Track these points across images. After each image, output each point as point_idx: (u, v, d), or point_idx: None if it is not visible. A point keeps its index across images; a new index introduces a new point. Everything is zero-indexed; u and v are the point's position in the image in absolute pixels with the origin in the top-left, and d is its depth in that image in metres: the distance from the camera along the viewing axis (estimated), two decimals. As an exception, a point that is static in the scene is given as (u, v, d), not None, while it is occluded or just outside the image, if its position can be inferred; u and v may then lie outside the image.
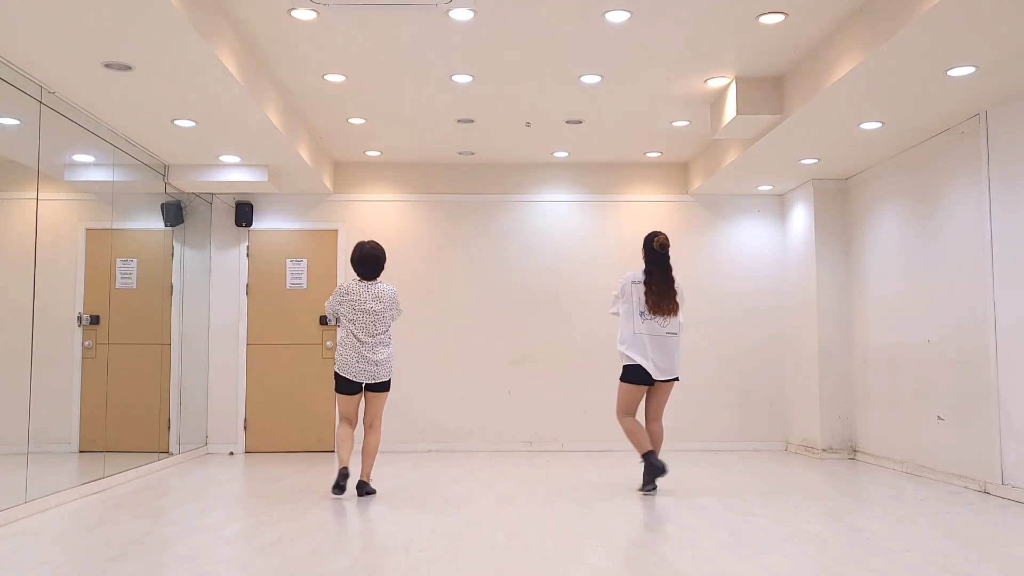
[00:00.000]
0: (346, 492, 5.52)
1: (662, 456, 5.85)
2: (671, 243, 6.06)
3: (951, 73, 4.92)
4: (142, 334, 6.94)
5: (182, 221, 7.63)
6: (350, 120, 6.93)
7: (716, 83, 6.06)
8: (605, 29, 5.05)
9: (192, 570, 3.55)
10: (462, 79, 5.92)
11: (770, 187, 8.12)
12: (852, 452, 7.58)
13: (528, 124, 7.03)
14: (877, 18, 4.53)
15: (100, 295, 6.34)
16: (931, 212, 6.33)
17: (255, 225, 8.26)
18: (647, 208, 8.45)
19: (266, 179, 7.29)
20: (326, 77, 5.90)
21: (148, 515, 4.83)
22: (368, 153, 8.01)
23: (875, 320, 7.19)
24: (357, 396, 5.54)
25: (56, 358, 5.92)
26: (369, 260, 5.59)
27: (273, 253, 8.28)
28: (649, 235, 5.77)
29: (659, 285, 5.63)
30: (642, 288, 5.64)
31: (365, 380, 5.47)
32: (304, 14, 4.82)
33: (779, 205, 8.50)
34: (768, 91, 5.95)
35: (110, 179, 6.33)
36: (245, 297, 8.22)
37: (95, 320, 6.25)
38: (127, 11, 4.07)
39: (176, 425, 7.40)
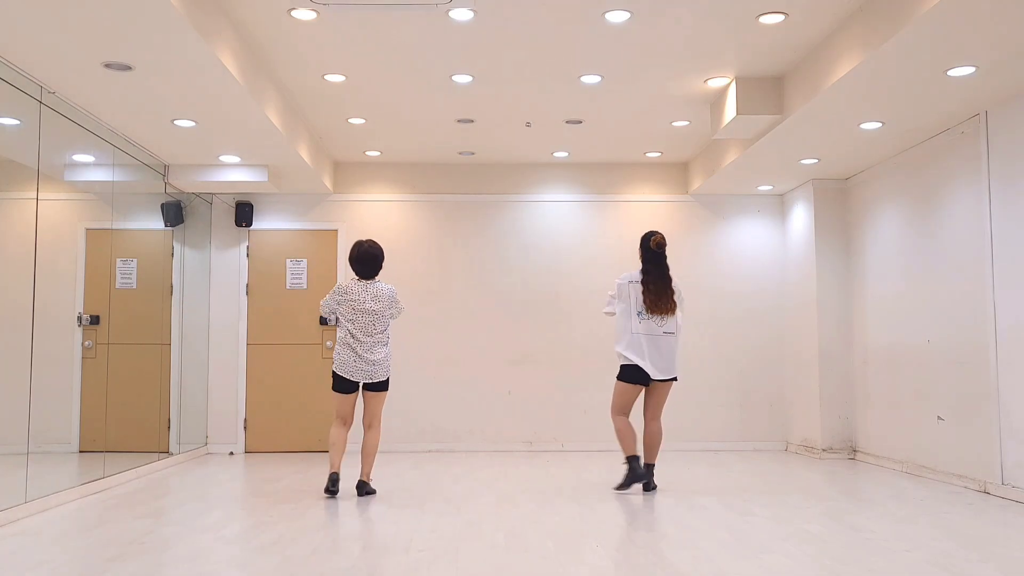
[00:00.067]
0: (340, 492, 5.54)
1: (661, 456, 5.87)
2: (670, 243, 6.06)
3: (951, 73, 4.92)
4: (142, 334, 6.94)
5: (182, 221, 7.63)
6: (350, 120, 6.93)
7: (716, 83, 6.06)
8: (605, 29, 5.05)
9: (192, 570, 3.55)
10: (462, 79, 5.92)
11: (770, 187, 8.12)
12: (852, 452, 7.58)
13: (528, 124, 7.03)
14: (877, 18, 4.53)
15: (100, 295, 6.34)
16: (931, 212, 6.33)
17: (255, 225, 8.26)
18: (647, 208, 8.45)
19: (266, 179, 7.29)
20: (326, 77, 5.90)
21: (148, 515, 4.83)
22: (368, 153, 8.01)
23: (875, 320, 7.19)
24: (353, 395, 5.55)
25: (56, 358, 5.92)
26: (367, 259, 5.59)
27: (273, 253, 8.28)
28: (646, 235, 5.78)
29: (656, 284, 5.64)
30: (639, 288, 5.65)
31: (362, 379, 5.47)
32: (304, 14, 4.82)
33: (779, 205, 8.50)
34: (768, 91, 5.95)
35: (110, 179, 6.33)
36: (245, 297, 8.22)
37: (95, 320, 6.25)
38: (127, 11, 4.07)
39: (176, 425, 7.40)
